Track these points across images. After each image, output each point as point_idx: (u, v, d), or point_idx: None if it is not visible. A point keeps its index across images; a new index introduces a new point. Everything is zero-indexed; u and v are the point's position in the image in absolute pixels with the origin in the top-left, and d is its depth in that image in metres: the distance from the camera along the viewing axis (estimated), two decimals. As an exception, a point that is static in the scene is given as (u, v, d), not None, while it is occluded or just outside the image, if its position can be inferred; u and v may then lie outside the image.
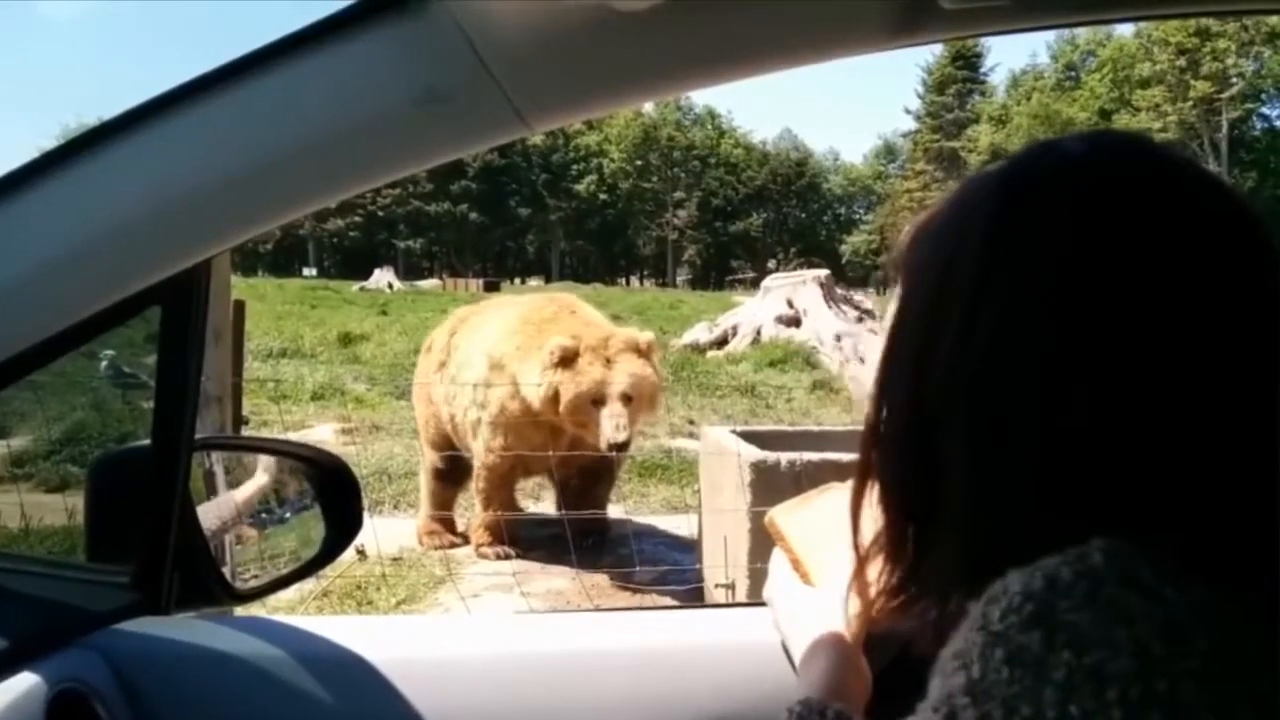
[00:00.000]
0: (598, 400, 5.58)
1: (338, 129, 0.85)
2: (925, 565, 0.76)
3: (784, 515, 1.23)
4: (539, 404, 5.65)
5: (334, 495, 1.35)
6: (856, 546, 0.83)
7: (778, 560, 1.24)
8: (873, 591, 0.83)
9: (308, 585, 4.82)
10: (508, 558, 5.83)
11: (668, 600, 5.06)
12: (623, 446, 5.62)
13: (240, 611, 2.05)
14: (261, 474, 1.50)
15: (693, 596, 4.89)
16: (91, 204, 0.88)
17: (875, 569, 0.82)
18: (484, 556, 5.90)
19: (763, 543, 4.25)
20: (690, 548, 5.56)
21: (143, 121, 0.85)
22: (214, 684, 1.19)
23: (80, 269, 0.90)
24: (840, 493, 1.24)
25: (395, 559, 5.60)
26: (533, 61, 0.79)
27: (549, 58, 0.79)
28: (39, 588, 1.15)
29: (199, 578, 1.22)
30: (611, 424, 5.52)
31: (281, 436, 7.19)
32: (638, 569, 4.96)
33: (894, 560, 0.79)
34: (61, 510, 1.52)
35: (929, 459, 0.73)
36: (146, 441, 1.13)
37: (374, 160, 0.89)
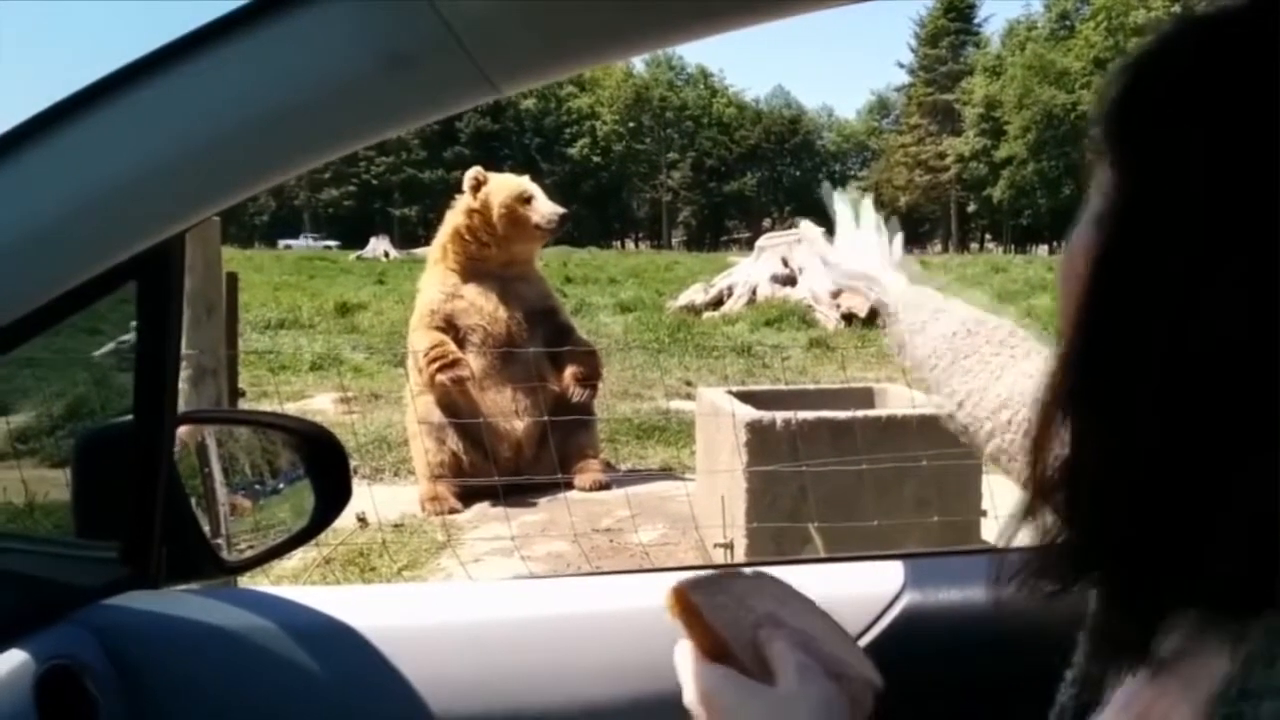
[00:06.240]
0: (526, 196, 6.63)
1: (304, 97, 0.84)
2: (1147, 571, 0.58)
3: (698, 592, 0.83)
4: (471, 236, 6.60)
5: (322, 465, 1.35)
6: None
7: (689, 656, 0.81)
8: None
9: (310, 554, 4.84)
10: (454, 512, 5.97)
11: (665, 561, 5.08)
12: (562, 221, 6.66)
13: (244, 580, 2.05)
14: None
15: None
16: (58, 180, 0.87)
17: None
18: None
19: (760, 502, 4.28)
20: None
21: (103, 96, 0.83)
22: (205, 657, 1.19)
23: (51, 246, 0.89)
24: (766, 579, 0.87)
25: (397, 525, 5.62)
26: (497, 21, 0.78)
27: (513, 17, 0.77)
28: (26, 564, 1.15)
29: (188, 551, 1.22)
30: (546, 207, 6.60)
31: (270, 409, 7.19)
32: (637, 531, 4.99)
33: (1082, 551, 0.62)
34: (65, 485, 1.52)
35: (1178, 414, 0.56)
36: (129, 417, 1.12)
37: (342, 128, 0.88)
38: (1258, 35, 0.56)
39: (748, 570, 0.85)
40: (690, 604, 0.79)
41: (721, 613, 0.78)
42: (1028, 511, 0.64)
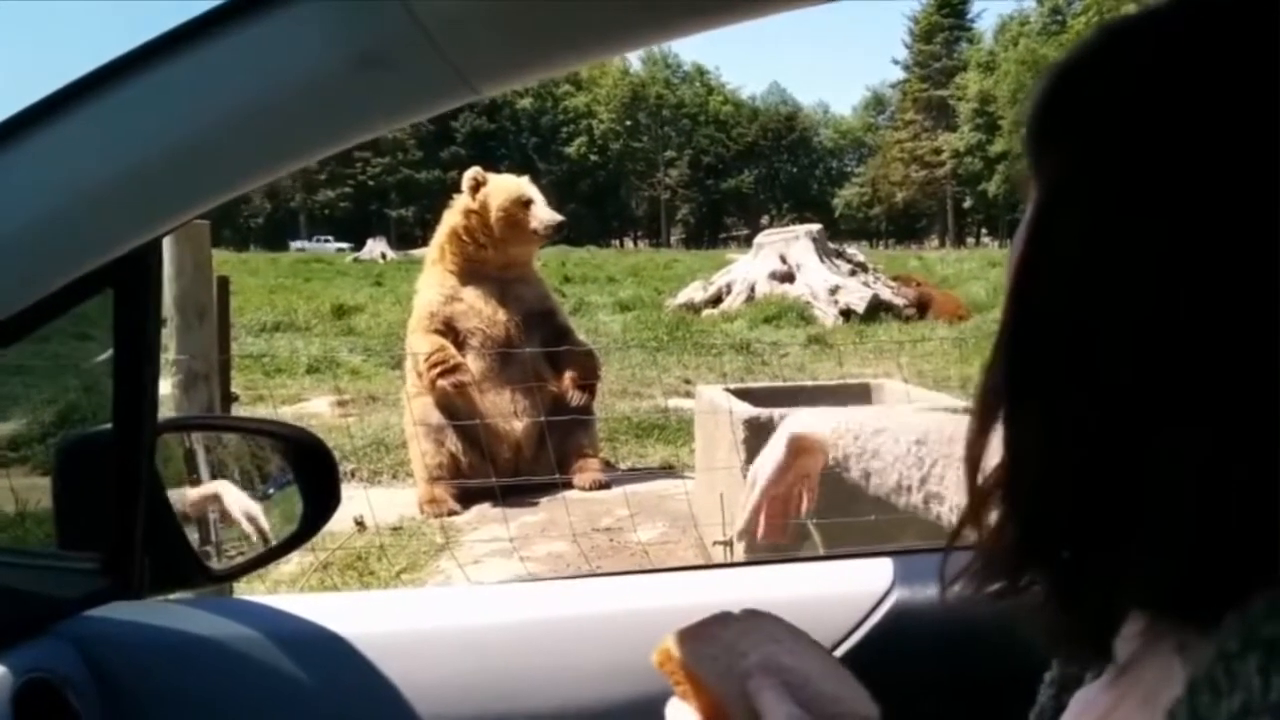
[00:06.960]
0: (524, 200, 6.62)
1: (279, 100, 0.82)
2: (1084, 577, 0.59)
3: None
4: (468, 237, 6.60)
5: (309, 471, 1.34)
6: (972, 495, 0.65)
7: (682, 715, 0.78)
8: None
9: (307, 558, 4.82)
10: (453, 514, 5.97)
11: (665, 559, 5.07)
12: (559, 229, 6.69)
13: (242, 587, 2.04)
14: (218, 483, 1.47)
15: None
16: (28, 186, 0.86)
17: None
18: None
19: (758, 500, 4.26)
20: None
21: (72, 100, 0.82)
22: (188, 668, 1.18)
23: (21, 254, 0.88)
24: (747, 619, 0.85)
25: (395, 528, 5.61)
26: (469, 21, 0.76)
27: (486, 16, 0.76)
28: (6, 577, 1.13)
29: (172, 560, 1.20)
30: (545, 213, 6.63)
31: (265, 412, 7.17)
32: (637, 530, 4.97)
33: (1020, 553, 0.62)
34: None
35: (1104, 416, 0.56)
36: (109, 425, 1.11)
37: (320, 130, 0.87)
38: (1171, 45, 0.56)
39: (739, 611, 0.82)
40: (680, 662, 0.76)
41: (713, 666, 0.76)
42: (971, 513, 0.65)
